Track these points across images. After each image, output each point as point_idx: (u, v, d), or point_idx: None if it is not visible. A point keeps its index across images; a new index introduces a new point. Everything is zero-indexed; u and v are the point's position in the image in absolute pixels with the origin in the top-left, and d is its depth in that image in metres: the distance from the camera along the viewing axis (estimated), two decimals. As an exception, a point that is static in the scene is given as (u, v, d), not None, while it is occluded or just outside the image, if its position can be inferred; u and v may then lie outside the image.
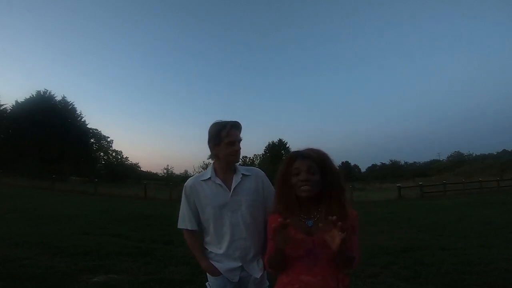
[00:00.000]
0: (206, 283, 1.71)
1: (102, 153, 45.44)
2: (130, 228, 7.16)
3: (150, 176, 48.25)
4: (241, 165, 1.73)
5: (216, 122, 1.63)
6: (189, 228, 1.67)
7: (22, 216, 8.00)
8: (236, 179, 1.62)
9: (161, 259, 4.56)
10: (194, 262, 4.42)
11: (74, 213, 9.17)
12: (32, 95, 36.29)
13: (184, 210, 1.68)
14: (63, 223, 7.33)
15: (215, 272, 1.62)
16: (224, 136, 1.57)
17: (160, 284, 3.49)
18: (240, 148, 1.62)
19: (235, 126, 1.61)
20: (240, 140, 1.63)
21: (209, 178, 1.63)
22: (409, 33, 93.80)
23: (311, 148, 1.32)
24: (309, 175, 1.24)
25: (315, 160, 1.26)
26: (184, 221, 1.68)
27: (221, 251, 1.62)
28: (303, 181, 1.24)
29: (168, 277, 3.74)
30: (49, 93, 37.27)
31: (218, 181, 1.62)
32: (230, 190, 1.61)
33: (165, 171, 47.59)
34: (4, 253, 4.35)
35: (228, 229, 1.59)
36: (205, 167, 45.47)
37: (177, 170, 49.23)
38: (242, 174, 1.65)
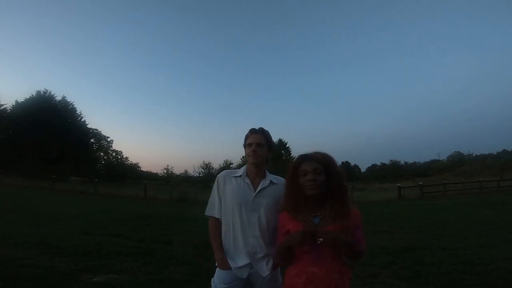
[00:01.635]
0: (212, 279, 1.78)
1: (102, 153, 45.45)
2: (130, 228, 7.16)
3: (150, 176, 48.33)
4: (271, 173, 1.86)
5: None
6: (216, 216, 1.79)
7: (22, 216, 7.99)
8: (263, 183, 1.76)
9: (161, 259, 4.56)
10: (194, 262, 4.43)
11: (74, 213, 9.16)
12: (32, 95, 36.30)
13: (215, 198, 1.82)
14: (63, 223, 7.33)
15: (226, 266, 1.71)
16: (246, 140, 1.82)
17: (160, 284, 3.49)
18: (256, 150, 1.76)
19: (252, 130, 1.82)
20: (260, 143, 1.77)
21: (240, 176, 1.79)
22: (409, 33, 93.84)
23: (317, 152, 1.46)
24: (315, 175, 1.38)
25: (321, 162, 1.40)
26: (213, 209, 1.81)
27: (232, 244, 1.73)
28: (309, 181, 1.38)
29: (168, 277, 3.74)
30: (49, 93, 37.29)
31: (247, 180, 1.77)
32: (255, 191, 1.75)
33: (165, 171, 47.72)
34: (4, 253, 4.35)
35: (244, 226, 1.71)
36: (205, 167, 45.61)
37: (177, 170, 49.45)
38: (270, 181, 1.79)
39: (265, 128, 1.85)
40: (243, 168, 1.84)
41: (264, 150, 1.78)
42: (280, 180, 1.82)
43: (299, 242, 1.34)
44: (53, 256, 4.37)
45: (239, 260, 1.71)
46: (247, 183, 1.76)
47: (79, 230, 6.50)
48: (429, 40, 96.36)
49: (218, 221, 1.79)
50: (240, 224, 1.71)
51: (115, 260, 4.33)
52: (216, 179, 1.84)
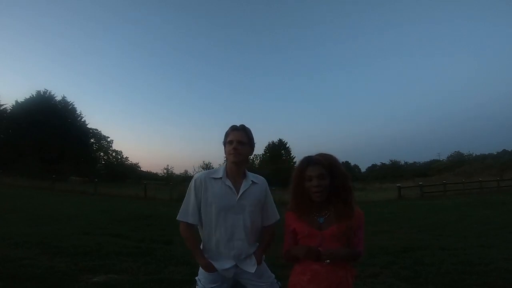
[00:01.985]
0: (196, 278, 1.75)
1: (102, 153, 45.43)
2: (130, 228, 7.16)
3: (150, 176, 48.29)
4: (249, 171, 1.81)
5: None
6: (190, 222, 1.68)
7: (22, 216, 7.99)
8: (245, 185, 1.71)
9: (161, 259, 4.56)
10: (194, 262, 4.40)
11: (74, 213, 9.16)
12: (32, 95, 36.30)
13: (189, 203, 1.70)
14: (63, 223, 7.33)
15: (212, 269, 1.67)
16: (226, 137, 1.74)
17: (160, 284, 3.48)
18: (238, 148, 1.67)
19: (233, 127, 1.74)
20: (241, 141, 1.69)
21: (220, 178, 1.70)
22: (409, 33, 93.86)
23: (321, 154, 1.48)
24: (320, 181, 1.40)
25: (325, 165, 1.42)
26: (187, 214, 1.68)
27: (216, 249, 1.69)
28: (315, 187, 1.41)
29: (168, 277, 3.73)
30: (49, 93, 37.28)
31: (228, 183, 1.69)
32: (237, 194, 1.69)
33: (165, 171, 47.68)
34: (4, 253, 4.35)
35: (228, 229, 1.66)
36: (205, 167, 45.60)
37: (177, 170, 49.37)
38: (252, 181, 1.74)
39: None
40: (222, 168, 1.75)
41: (245, 149, 1.71)
42: (260, 179, 1.81)
43: (303, 256, 1.39)
44: (53, 256, 4.37)
45: (225, 263, 1.67)
46: (228, 186, 1.68)
47: (79, 230, 6.49)
48: (429, 40, 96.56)
49: (191, 226, 1.70)
50: (224, 228, 1.66)
51: (115, 260, 4.33)
52: (193, 181, 1.71)
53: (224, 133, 1.77)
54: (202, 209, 1.69)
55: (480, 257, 4.58)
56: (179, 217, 1.70)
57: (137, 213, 9.88)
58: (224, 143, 1.75)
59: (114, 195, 18.16)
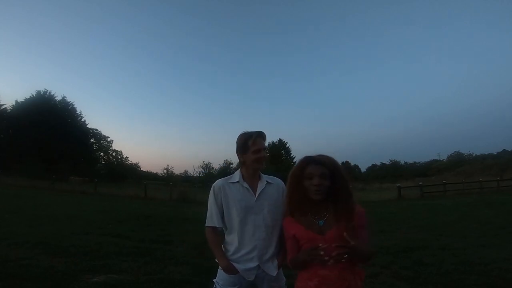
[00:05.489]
0: (214, 280, 1.76)
1: (102, 153, 45.42)
2: (130, 228, 7.17)
3: (150, 176, 48.27)
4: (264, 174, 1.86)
5: (243, 133, 1.78)
6: (216, 226, 1.77)
7: (22, 216, 8.00)
8: (261, 185, 1.77)
9: (161, 259, 4.57)
10: (194, 262, 4.43)
11: (74, 213, 9.17)
12: (32, 95, 36.38)
13: (212, 209, 1.79)
14: (63, 223, 7.34)
15: (234, 271, 1.69)
16: (250, 145, 1.72)
17: (160, 284, 3.49)
18: (265, 155, 1.75)
19: (260, 136, 1.76)
20: (265, 148, 1.77)
21: (237, 182, 1.77)
22: (409, 33, 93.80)
23: (322, 155, 1.44)
24: (321, 180, 1.36)
25: (327, 166, 1.38)
26: (212, 219, 1.78)
27: (240, 250, 1.72)
28: (316, 186, 1.36)
29: (168, 277, 3.74)
30: (49, 93, 37.36)
31: (246, 185, 1.76)
32: (255, 195, 1.74)
33: (165, 171, 47.72)
34: (4, 253, 4.36)
35: (250, 230, 1.71)
36: (204, 167, 45.48)
37: (177, 170, 49.44)
38: (267, 181, 1.80)
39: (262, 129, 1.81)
40: (237, 173, 1.81)
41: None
42: (274, 179, 1.85)
43: (309, 257, 1.34)
44: (53, 256, 4.38)
45: (248, 264, 1.70)
46: (246, 188, 1.75)
47: (79, 230, 6.50)
48: (429, 40, 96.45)
49: (216, 229, 1.78)
50: (246, 229, 1.71)
51: (115, 260, 4.34)
52: (212, 189, 1.80)
53: (243, 138, 1.74)
54: (225, 213, 1.77)
55: (480, 257, 4.58)
56: (207, 224, 1.79)
57: (137, 213, 9.89)
58: (246, 150, 1.72)
59: (114, 195, 18.17)
